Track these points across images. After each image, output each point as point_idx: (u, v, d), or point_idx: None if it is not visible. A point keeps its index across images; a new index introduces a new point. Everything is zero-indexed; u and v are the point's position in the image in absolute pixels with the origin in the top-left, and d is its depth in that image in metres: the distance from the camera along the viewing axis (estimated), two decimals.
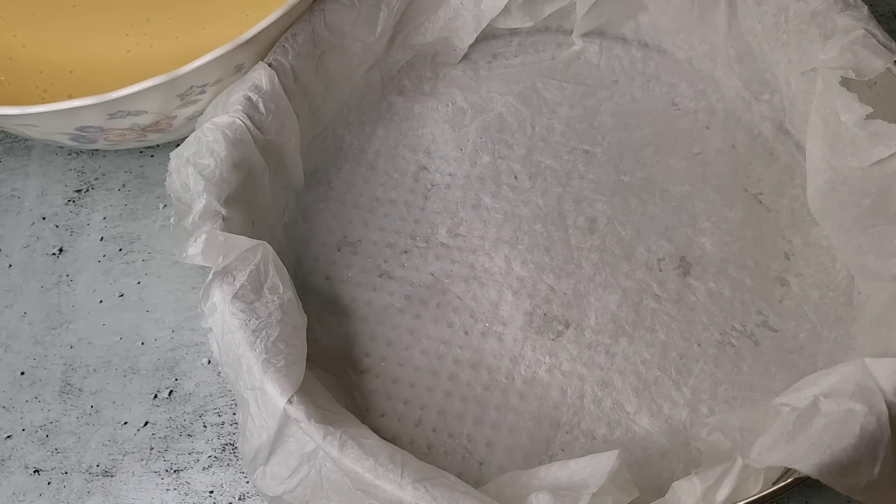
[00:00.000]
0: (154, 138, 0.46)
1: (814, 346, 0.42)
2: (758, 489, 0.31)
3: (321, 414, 0.33)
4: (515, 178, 0.49)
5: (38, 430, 0.43)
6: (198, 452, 0.42)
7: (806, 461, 0.29)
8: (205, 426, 0.43)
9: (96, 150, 0.52)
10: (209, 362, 0.45)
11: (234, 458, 0.42)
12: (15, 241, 0.49)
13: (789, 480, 0.32)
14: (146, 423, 0.43)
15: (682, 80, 0.52)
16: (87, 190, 0.51)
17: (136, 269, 0.48)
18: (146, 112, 0.41)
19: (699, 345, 0.43)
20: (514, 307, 0.44)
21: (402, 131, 0.51)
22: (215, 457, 0.42)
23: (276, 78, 0.42)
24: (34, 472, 0.42)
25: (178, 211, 0.38)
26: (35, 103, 0.40)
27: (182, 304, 0.46)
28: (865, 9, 0.42)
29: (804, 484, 0.32)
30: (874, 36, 0.40)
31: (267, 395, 0.34)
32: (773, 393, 0.41)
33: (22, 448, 0.43)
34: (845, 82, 0.40)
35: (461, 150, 0.50)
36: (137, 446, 0.42)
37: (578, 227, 0.47)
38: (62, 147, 0.52)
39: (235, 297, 0.35)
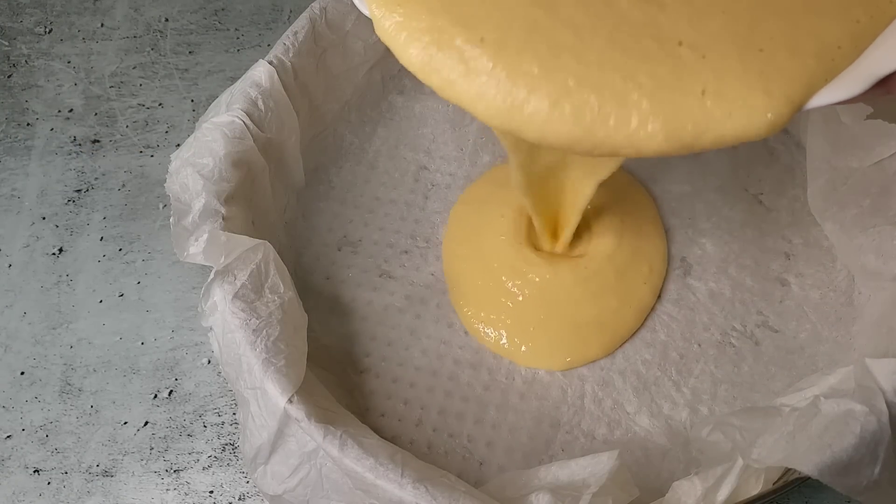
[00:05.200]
0: None
1: (814, 347, 0.42)
2: (758, 489, 0.31)
3: (321, 413, 0.33)
4: None
5: (38, 430, 0.43)
6: (198, 452, 0.42)
7: (806, 461, 0.29)
8: (205, 426, 0.43)
9: (97, 150, 0.52)
10: (209, 362, 0.45)
11: (234, 458, 0.42)
12: (15, 240, 0.49)
13: (789, 480, 0.32)
14: (146, 423, 0.43)
15: None
16: (87, 190, 0.51)
17: (136, 268, 0.48)
18: None
19: (699, 345, 0.43)
20: None
21: (403, 131, 0.51)
22: (215, 457, 0.42)
23: (276, 75, 0.42)
24: (34, 472, 0.42)
25: (177, 211, 0.38)
26: None
27: (182, 304, 0.46)
28: None
29: (804, 484, 0.32)
30: None
31: (267, 395, 0.34)
32: (773, 393, 0.41)
33: (22, 448, 0.43)
34: None
35: (461, 149, 0.50)
36: (137, 446, 0.42)
37: None
38: (62, 147, 0.52)
39: (236, 296, 0.35)
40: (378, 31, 0.29)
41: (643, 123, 0.26)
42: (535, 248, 0.44)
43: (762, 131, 0.26)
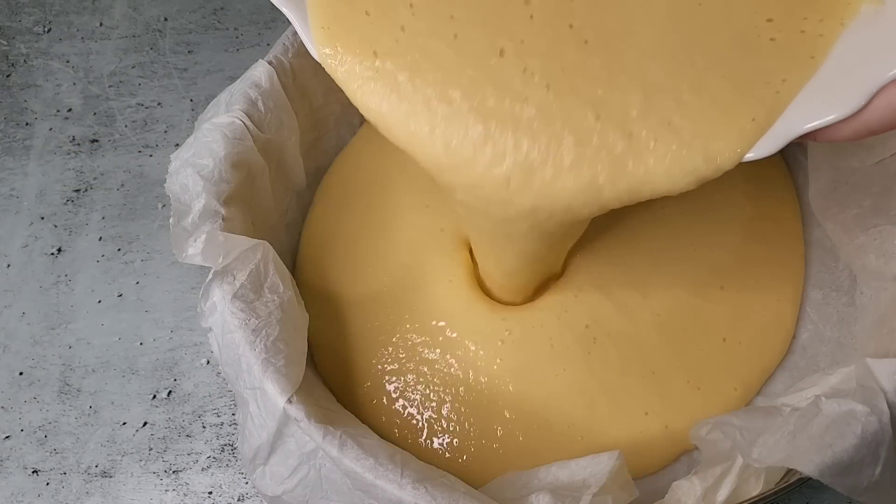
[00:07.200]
0: None
1: (816, 347, 0.42)
2: (758, 489, 0.31)
3: (321, 413, 0.33)
4: None
5: (37, 430, 0.43)
6: (197, 453, 0.42)
7: (807, 461, 0.29)
8: (204, 427, 0.43)
9: (95, 149, 0.52)
10: (208, 362, 0.44)
11: (233, 459, 0.42)
12: (13, 240, 0.49)
13: (790, 481, 0.31)
14: (145, 424, 0.43)
15: None
16: (86, 190, 0.51)
17: (134, 269, 0.48)
18: None
19: None
20: None
21: None
22: (214, 457, 0.42)
23: (276, 76, 0.42)
24: (33, 472, 0.42)
25: (176, 211, 0.38)
26: None
27: (181, 304, 0.46)
28: None
29: (805, 484, 0.32)
30: None
31: (267, 395, 0.33)
32: (773, 393, 0.41)
33: (21, 448, 0.43)
34: None
35: None
36: (136, 447, 0.42)
37: None
38: (61, 147, 0.52)
39: (235, 296, 0.35)
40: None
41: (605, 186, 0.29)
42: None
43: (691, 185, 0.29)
